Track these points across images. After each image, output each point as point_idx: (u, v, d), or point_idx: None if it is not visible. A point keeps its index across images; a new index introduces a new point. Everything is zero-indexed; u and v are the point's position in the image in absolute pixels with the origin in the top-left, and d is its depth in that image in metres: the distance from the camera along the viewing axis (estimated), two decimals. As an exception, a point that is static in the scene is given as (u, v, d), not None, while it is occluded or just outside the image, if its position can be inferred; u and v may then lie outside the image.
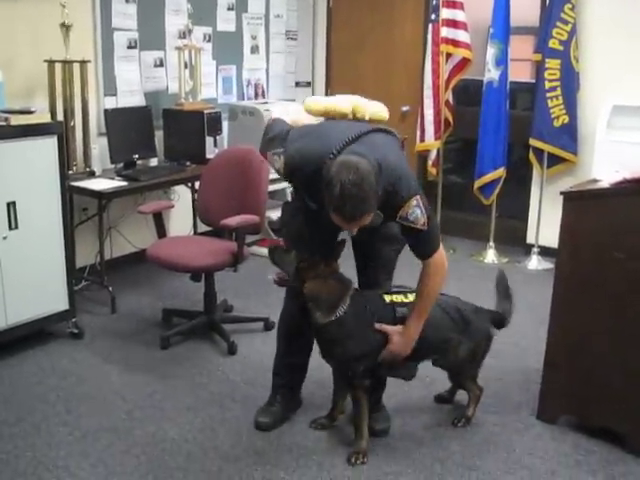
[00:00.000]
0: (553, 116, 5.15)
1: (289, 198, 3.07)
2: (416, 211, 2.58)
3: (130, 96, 4.97)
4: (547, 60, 5.10)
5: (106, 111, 4.65)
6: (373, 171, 2.44)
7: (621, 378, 2.93)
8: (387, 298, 2.90)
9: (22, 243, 3.64)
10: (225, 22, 5.63)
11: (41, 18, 4.27)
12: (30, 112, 3.68)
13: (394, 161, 2.59)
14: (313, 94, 6.64)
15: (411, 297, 2.87)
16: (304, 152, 2.62)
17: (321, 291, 2.79)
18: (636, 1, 4.88)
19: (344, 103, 2.87)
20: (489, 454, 2.96)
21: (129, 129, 4.73)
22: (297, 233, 2.96)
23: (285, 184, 5.49)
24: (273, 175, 4.35)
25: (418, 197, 2.58)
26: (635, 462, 2.91)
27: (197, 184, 4.55)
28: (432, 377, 3.43)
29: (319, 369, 3.22)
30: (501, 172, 5.40)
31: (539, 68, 5.22)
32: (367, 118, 2.85)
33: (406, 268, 3.05)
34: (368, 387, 2.93)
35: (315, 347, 3.15)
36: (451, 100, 5.66)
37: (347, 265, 3.02)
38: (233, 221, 3.69)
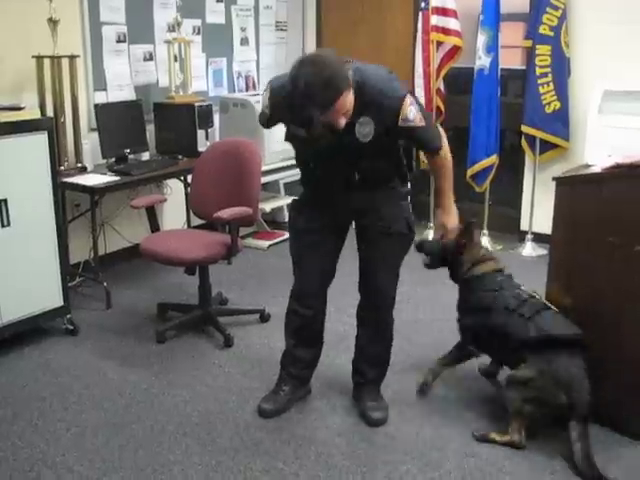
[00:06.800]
0: (544, 102, 5.15)
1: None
2: (412, 110, 2.64)
3: (120, 90, 4.94)
4: (538, 46, 5.10)
5: (96, 106, 4.62)
6: (333, 57, 2.48)
7: (616, 362, 2.94)
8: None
9: (14, 240, 3.63)
10: (214, 14, 5.60)
11: (28, 13, 4.23)
12: (19, 108, 3.66)
13: (377, 69, 2.68)
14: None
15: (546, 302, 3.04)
16: (285, 78, 2.64)
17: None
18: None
19: None
20: (487, 441, 2.97)
21: (120, 124, 4.71)
22: (303, 229, 2.98)
23: (278, 176, 5.49)
24: (266, 167, 4.36)
25: (409, 96, 2.65)
26: (630, 445, 2.93)
27: (189, 177, 4.54)
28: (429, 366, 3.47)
29: (326, 356, 3.23)
30: (494, 159, 5.39)
31: (530, 54, 5.21)
32: None
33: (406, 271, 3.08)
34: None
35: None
36: (442, 88, 5.64)
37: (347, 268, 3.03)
38: (226, 214, 3.68)
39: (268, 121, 2.89)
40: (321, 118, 2.48)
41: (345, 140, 2.63)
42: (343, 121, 2.54)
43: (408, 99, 2.63)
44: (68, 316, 3.96)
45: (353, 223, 3.04)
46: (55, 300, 3.88)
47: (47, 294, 3.84)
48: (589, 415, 2.81)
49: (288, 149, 3.06)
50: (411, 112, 2.63)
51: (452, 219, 3.01)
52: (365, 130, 2.62)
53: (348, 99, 2.51)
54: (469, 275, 3.18)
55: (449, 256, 3.22)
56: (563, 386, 2.81)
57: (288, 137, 2.87)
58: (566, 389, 2.81)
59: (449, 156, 2.89)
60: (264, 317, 4.13)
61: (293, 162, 3.08)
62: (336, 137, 2.61)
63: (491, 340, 3.11)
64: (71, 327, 3.95)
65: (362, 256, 3.04)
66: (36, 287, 3.78)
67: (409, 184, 3.01)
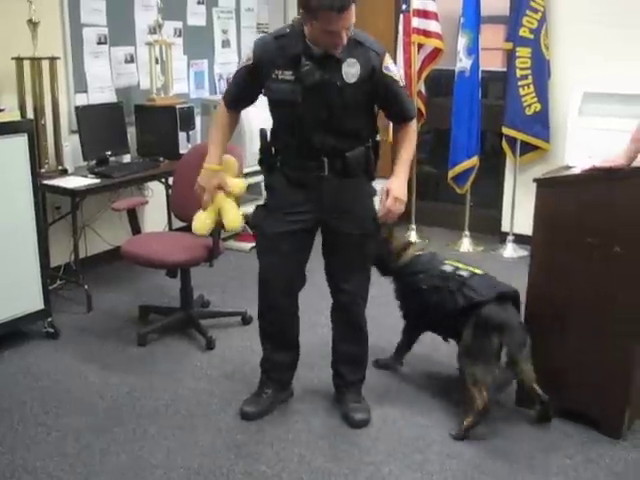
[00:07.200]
0: (525, 104, 5.18)
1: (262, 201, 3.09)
2: (393, 65, 2.83)
3: (101, 92, 4.91)
4: (518, 48, 5.13)
5: (77, 108, 4.60)
6: None
7: (595, 363, 2.96)
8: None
9: (-6, 243, 3.60)
10: (195, 16, 5.59)
11: (7, 15, 4.19)
12: (-1, 110, 3.64)
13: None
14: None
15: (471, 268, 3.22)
16: (270, 32, 2.93)
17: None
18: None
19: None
20: (469, 441, 2.97)
21: (101, 126, 4.68)
22: (270, 235, 2.96)
23: (259, 178, 5.47)
24: (247, 169, 4.35)
25: (388, 55, 2.82)
26: (611, 444, 2.95)
27: (171, 180, 4.52)
28: (412, 368, 3.47)
29: (308, 358, 3.23)
30: (475, 161, 5.42)
31: (510, 57, 5.25)
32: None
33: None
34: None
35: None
36: (423, 90, 5.67)
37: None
38: (208, 216, 3.66)
39: (246, 77, 2.86)
40: (328, 27, 2.55)
41: (331, 80, 2.69)
42: (345, 38, 2.61)
43: (387, 55, 2.80)
44: (49, 319, 3.93)
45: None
46: (36, 303, 3.85)
47: (27, 297, 3.81)
48: (522, 360, 2.96)
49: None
50: (392, 65, 2.81)
51: (400, 188, 2.87)
52: (352, 70, 2.70)
53: (354, 16, 2.58)
54: (398, 265, 3.38)
55: (378, 255, 3.31)
56: (495, 329, 2.98)
57: (268, 92, 2.84)
58: (499, 331, 2.97)
59: (416, 130, 2.99)
60: (246, 319, 4.12)
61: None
62: (322, 76, 2.68)
63: (433, 318, 3.27)
64: (52, 330, 3.93)
65: (330, 260, 3.04)
66: (16, 290, 3.75)
67: (374, 184, 3.02)
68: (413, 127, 2.95)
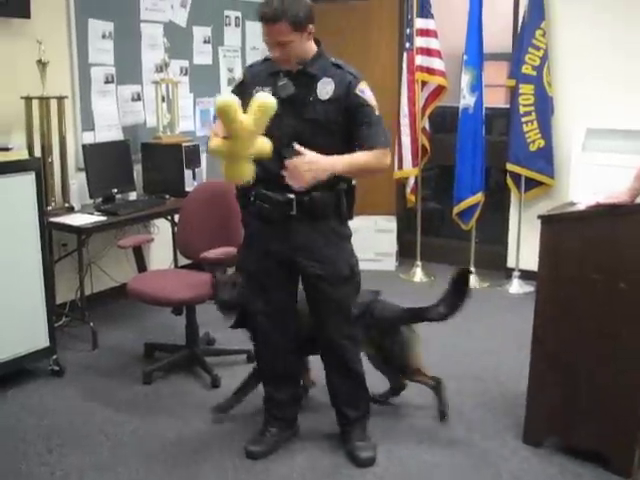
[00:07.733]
0: (529, 140, 5.20)
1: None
2: (367, 92, 2.88)
3: (108, 131, 4.97)
4: (521, 85, 5.17)
5: (84, 146, 4.64)
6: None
7: (604, 400, 2.93)
8: None
9: (1, 280, 3.61)
10: (201, 55, 5.67)
11: (17, 55, 4.27)
12: (7, 149, 3.68)
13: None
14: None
15: None
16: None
17: None
18: (604, 26, 4.98)
19: None
20: (477, 479, 2.94)
21: (107, 164, 4.73)
22: (254, 271, 3.03)
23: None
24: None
25: (365, 82, 2.89)
26: (620, 484, 2.91)
27: (177, 217, 4.55)
28: (416, 405, 3.45)
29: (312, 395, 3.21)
30: (479, 197, 5.43)
31: (513, 93, 5.28)
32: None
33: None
34: None
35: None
36: (428, 127, 5.71)
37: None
38: (212, 254, 3.68)
39: (236, 94, 2.88)
40: (263, 36, 2.77)
41: (305, 95, 2.81)
42: (277, 53, 2.78)
43: (364, 82, 2.89)
44: (54, 357, 3.92)
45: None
46: (41, 341, 3.85)
47: (33, 335, 3.81)
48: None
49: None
50: (367, 91, 2.87)
51: (324, 159, 2.71)
52: (326, 88, 2.83)
53: (290, 35, 2.72)
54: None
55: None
56: (402, 320, 3.33)
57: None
58: (405, 319, 3.34)
59: (384, 164, 2.87)
60: (251, 357, 4.06)
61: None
62: (297, 90, 2.82)
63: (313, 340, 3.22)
64: (57, 368, 3.92)
65: (310, 302, 3.06)
66: (22, 328, 3.75)
67: (349, 228, 3.00)
68: (383, 152, 2.84)
